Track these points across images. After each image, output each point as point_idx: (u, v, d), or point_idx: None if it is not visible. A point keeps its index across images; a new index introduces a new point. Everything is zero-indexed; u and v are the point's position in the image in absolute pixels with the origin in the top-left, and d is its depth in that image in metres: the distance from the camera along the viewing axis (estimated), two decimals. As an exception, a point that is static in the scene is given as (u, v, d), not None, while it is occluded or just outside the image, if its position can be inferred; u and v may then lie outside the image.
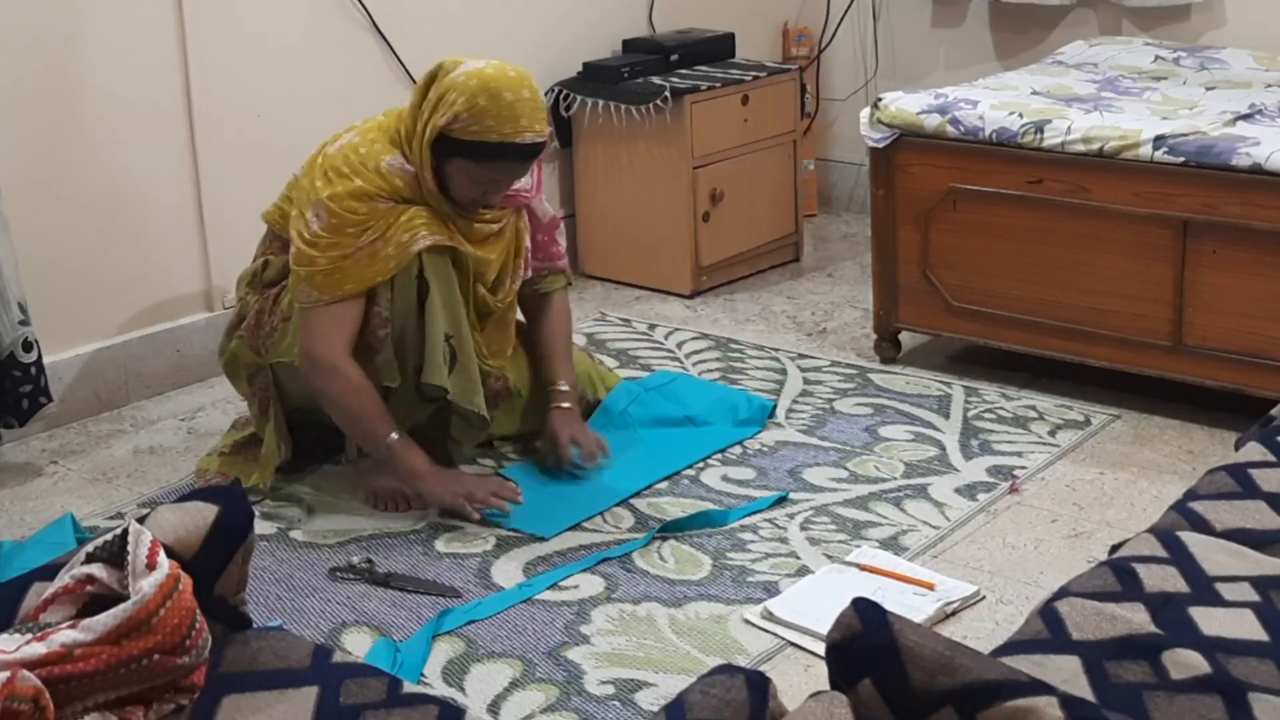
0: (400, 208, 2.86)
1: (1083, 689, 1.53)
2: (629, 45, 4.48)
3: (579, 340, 3.89)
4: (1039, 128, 3.35)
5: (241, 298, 3.10)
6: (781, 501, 2.97)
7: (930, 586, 2.60)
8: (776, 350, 3.82)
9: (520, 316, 3.23)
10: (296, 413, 3.07)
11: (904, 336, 3.75)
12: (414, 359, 2.91)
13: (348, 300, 2.86)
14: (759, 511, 2.93)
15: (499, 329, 3.11)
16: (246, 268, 3.13)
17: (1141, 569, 1.78)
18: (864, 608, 1.42)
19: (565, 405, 3.12)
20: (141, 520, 1.70)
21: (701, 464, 3.14)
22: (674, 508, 2.95)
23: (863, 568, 2.69)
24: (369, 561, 2.74)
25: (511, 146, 2.82)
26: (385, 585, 2.68)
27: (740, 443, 3.24)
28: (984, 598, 2.62)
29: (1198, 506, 1.97)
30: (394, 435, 2.88)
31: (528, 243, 3.12)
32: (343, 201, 2.83)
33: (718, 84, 4.24)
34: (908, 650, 1.36)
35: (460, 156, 2.84)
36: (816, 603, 2.55)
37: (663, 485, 3.05)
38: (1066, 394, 3.48)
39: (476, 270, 2.98)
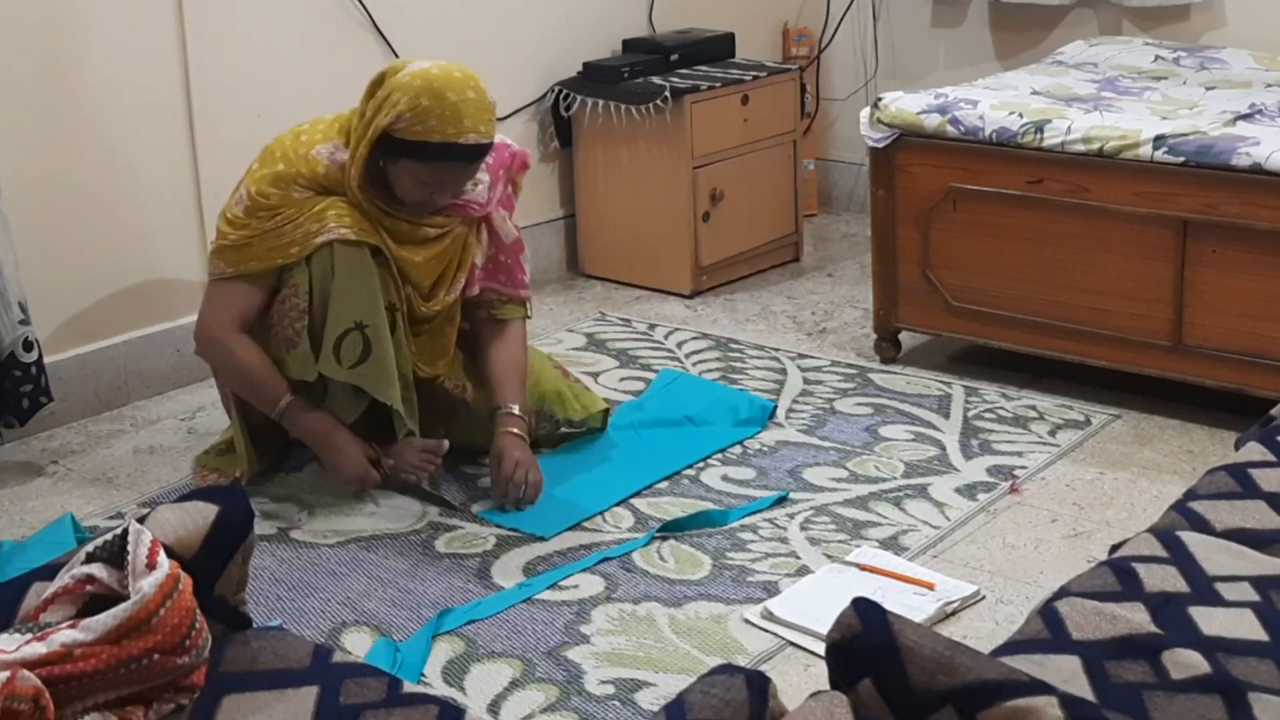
0: (318, 198, 2.88)
1: (1083, 689, 1.53)
2: (629, 45, 4.48)
3: (579, 340, 3.89)
4: (1039, 128, 3.35)
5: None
6: (781, 501, 2.97)
7: (930, 586, 2.60)
8: (776, 350, 3.82)
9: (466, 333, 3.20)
10: (257, 425, 3.07)
11: (904, 336, 3.75)
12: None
13: (248, 281, 2.92)
14: (759, 511, 2.92)
15: (434, 336, 3.08)
16: None
17: (1141, 569, 1.78)
18: (864, 608, 1.42)
19: (514, 431, 2.99)
20: (141, 520, 1.70)
21: (701, 464, 3.14)
22: (674, 507, 2.95)
23: (863, 567, 2.69)
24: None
25: (454, 147, 2.81)
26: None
27: (740, 442, 3.24)
28: (984, 598, 2.62)
29: (1198, 506, 1.97)
30: (287, 398, 2.93)
31: (476, 258, 3.08)
32: (260, 185, 2.89)
33: (718, 84, 4.24)
34: (908, 650, 1.36)
35: (404, 157, 2.83)
36: (816, 603, 2.55)
37: (663, 485, 3.05)
38: (1066, 394, 3.48)
39: (403, 271, 2.96)
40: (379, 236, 2.91)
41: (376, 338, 2.88)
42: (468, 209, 3.01)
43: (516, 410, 3.03)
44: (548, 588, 2.66)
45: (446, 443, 2.99)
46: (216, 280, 2.96)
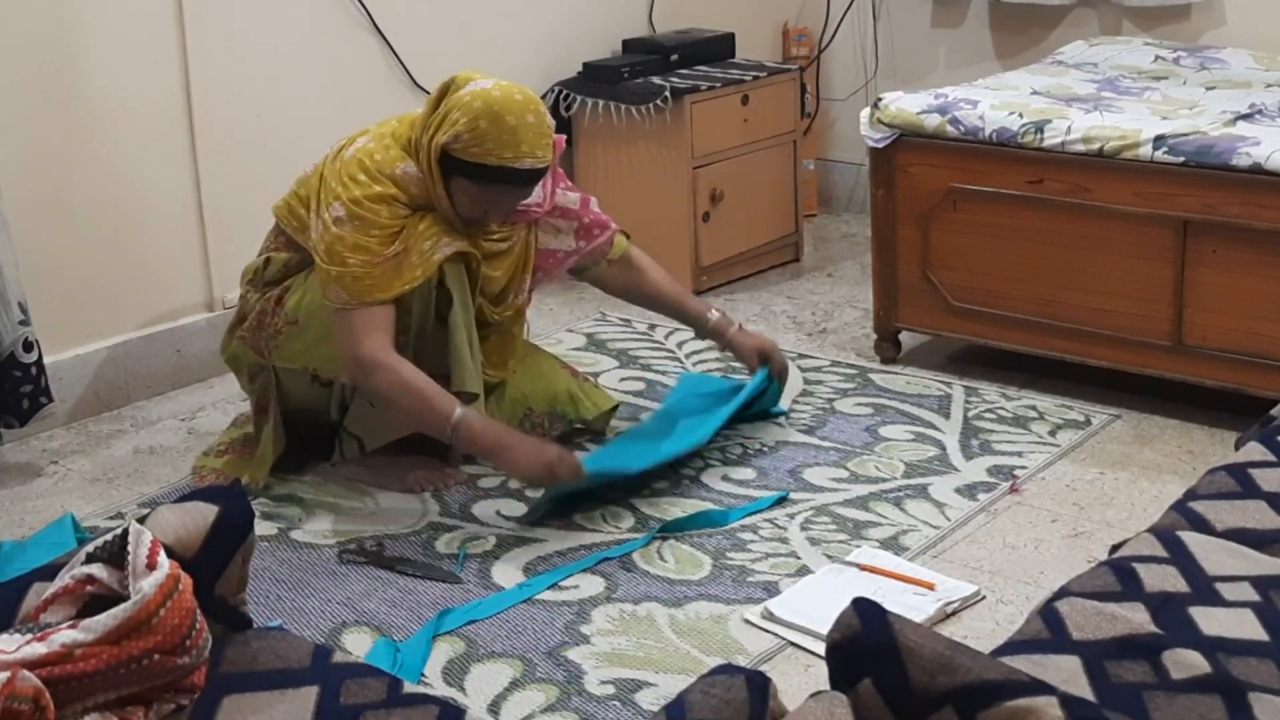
0: (418, 215, 2.87)
1: (1083, 689, 1.53)
2: (629, 45, 4.48)
3: (579, 340, 3.89)
4: (1039, 128, 3.35)
5: (243, 294, 3.10)
6: (782, 502, 2.97)
7: (930, 586, 2.60)
8: (776, 350, 3.82)
9: (522, 327, 3.24)
10: (294, 413, 3.07)
11: (904, 336, 3.75)
12: (429, 365, 2.90)
13: (380, 303, 2.84)
14: (759, 511, 2.92)
15: (502, 340, 3.11)
16: (251, 262, 3.14)
17: (1141, 569, 1.78)
18: (864, 608, 1.42)
19: (732, 325, 3.27)
20: (142, 520, 1.70)
21: (701, 463, 3.14)
22: (674, 508, 2.95)
23: (863, 568, 2.69)
24: (379, 545, 2.78)
25: (510, 171, 2.81)
26: (391, 569, 2.71)
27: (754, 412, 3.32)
28: (984, 598, 2.62)
29: (1198, 506, 1.97)
30: (458, 410, 2.81)
31: (553, 244, 3.14)
32: (363, 205, 2.82)
33: (718, 84, 4.24)
34: (908, 650, 1.36)
35: (460, 175, 2.84)
36: (816, 603, 2.55)
37: (662, 485, 3.05)
38: (1066, 394, 3.48)
39: (481, 283, 2.98)
40: (474, 243, 2.93)
41: (474, 353, 2.96)
42: (528, 214, 3.06)
43: (716, 312, 3.30)
44: (548, 588, 2.66)
45: (465, 475, 3.04)
46: (346, 309, 2.83)
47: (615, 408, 3.32)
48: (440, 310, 2.92)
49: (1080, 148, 3.29)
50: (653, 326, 4.01)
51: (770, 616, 2.55)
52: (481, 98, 2.80)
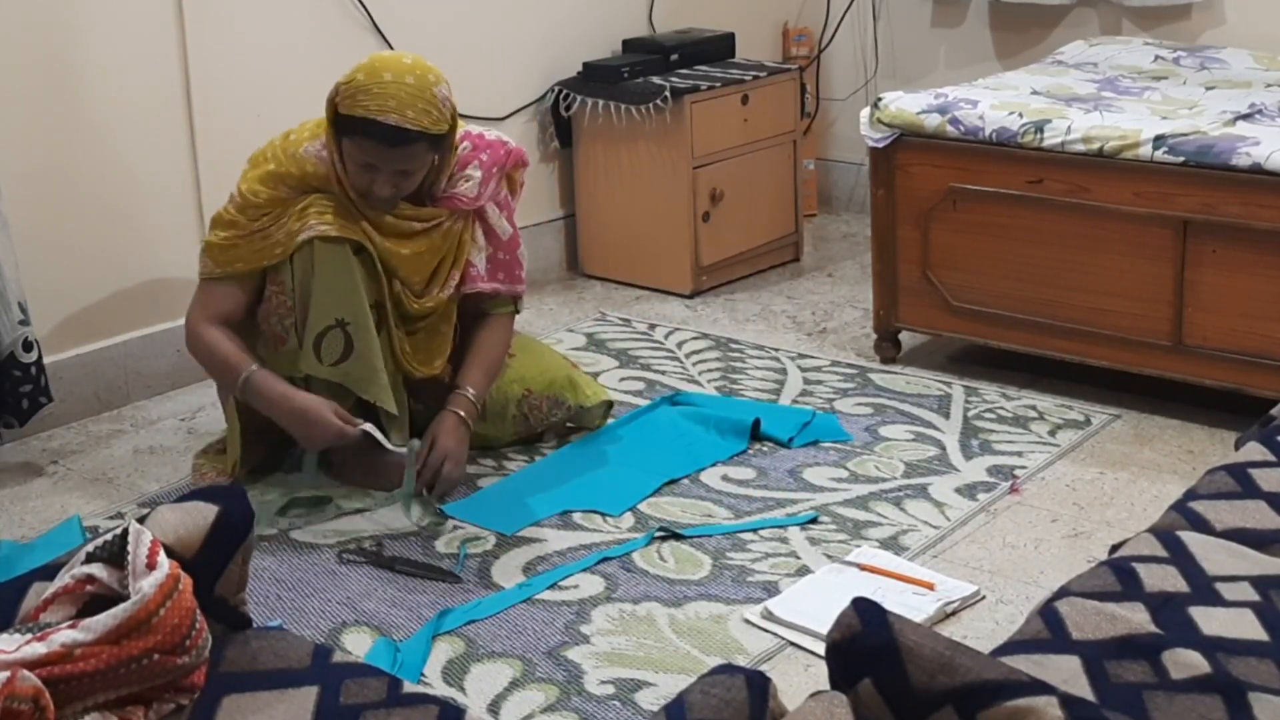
0: (302, 198, 2.91)
1: (1083, 689, 1.53)
2: (629, 45, 4.48)
3: (579, 340, 3.89)
4: (1039, 127, 3.35)
5: None
6: (813, 523, 2.90)
7: (930, 586, 2.60)
8: (776, 350, 3.82)
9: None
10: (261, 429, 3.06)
11: (904, 336, 3.75)
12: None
13: (234, 281, 2.95)
14: (781, 527, 2.89)
15: (429, 335, 3.06)
16: None
17: (1141, 569, 1.78)
18: (864, 608, 1.42)
19: (460, 413, 2.99)
20: (141, 520, 1.70)
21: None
22: (674, 507, 2.95)
23: (862, 567, 2.69)
24: (378, 545, 2.78)
25: (372, 124, 2.78)
26: (391, 569, 2.72)
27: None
28: (984, 598, 2.62)
29: (1198, 506, 1.97)
30: (249, 369, 2.90)
31: (475, 257, 3.06)
32: (251, 184, 2.93)
33: (718, 84, 4.24)
34: (908, 650, 1.36)
35: (341, 134, 2.86)
36: (816, 603, 2.55)
37: (663, 485, 3.05)
38: (1066, 394, 3.48)
39: (391, 266, 2.94)
40: (362, 231, 2.91)
41: (359, 335, 2.88)
42: (454, 201, 3.00)
43: (471, 394, 3.02)
44: (548, 588, 2.66)
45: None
46: (204, 280, 2.99)
47: (611, 405, 3.31)
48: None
49: (1080, 148, 3.29)
50: (653, 326, 4.01)
51: (770, 616, 2.55)
52: (373, 57, 2.89)
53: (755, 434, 3.25)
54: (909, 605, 2.52)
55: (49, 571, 1.71)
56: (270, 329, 2.97)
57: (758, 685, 1.41)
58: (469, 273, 3.07)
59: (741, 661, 2.41)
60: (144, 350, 3.58)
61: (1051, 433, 3.27)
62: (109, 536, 1.64)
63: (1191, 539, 1.87)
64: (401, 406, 2.99)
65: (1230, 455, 2.16)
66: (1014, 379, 3.57)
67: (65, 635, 1.54)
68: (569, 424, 3.27)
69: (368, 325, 2.90)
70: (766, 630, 2.52)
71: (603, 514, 2.93)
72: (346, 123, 2.83)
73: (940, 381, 3.58)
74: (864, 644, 1.39)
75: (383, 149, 2.83)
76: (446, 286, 3.04)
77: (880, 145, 3.57)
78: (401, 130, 2.80)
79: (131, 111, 3.47)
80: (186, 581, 1.63)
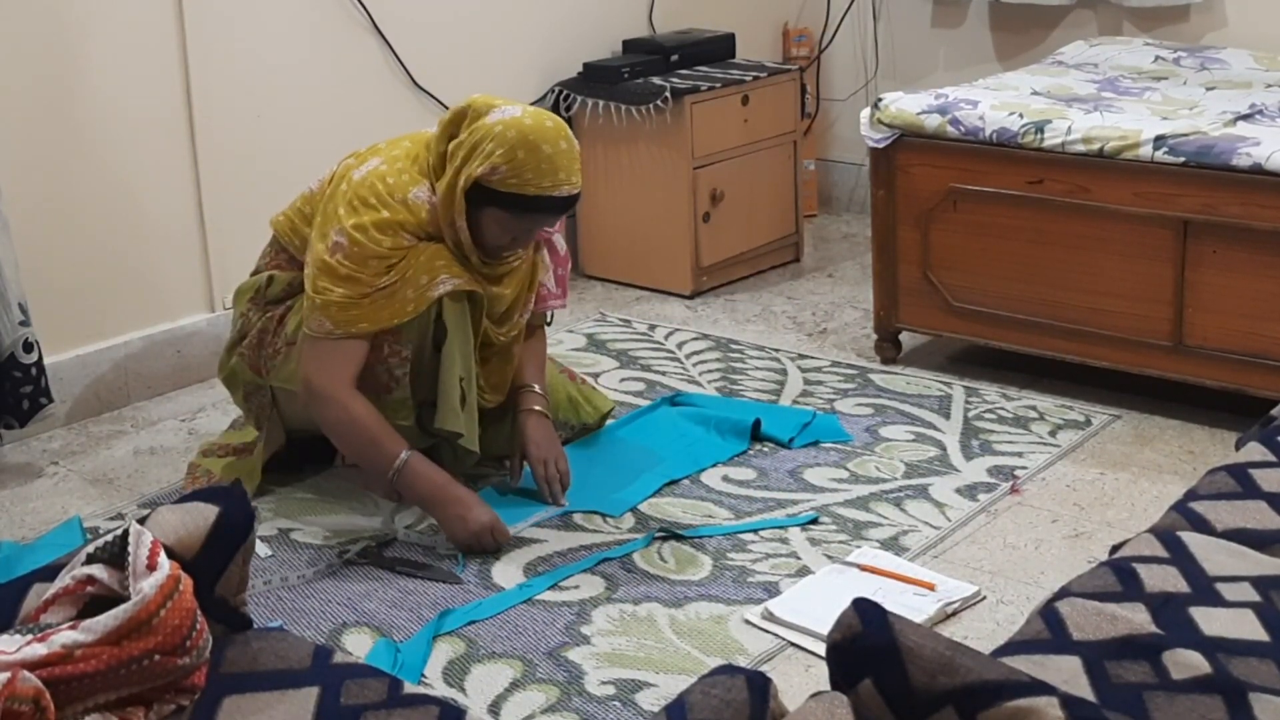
0: (422, 246, 2.79)
1: (1083, 689, 1.53)
2: (629, 45, 4.48)
3: (579, 340, 3.89)
4: (1039, 128, 3.35)
5: (243, 313, 3.04)
6: (813, 524, 2.89)
7: (931, 587, 2.60)
8: (777, 350, 3.82)
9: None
10: (293, 432, 3.04)
11: (904, 336, 3.75)
12: (422, 394, 2.88)
13: (359, 338, 2.79)
14: (782, 528, 2.88)
15: (502, 362, 3.03)
16: (246, 281, 3.08)
17: (1142, 569, 1.78)
18: (864, 608, 1.42)
19: (538, 409, 3.01)
20: (142, 521, 1.70)
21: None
22: (674, 508, 2.95)
23: (863, 568, 2.69)
24: (378, 545, 2.79)
25: (549, 200, 2.76)
26: (391, 569, 2.71)
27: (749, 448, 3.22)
28: (984, 598, 2.62)
29: (1198, 506, 1.97)
30: (405, 453, 2.77)
31: (542, 277, 3.06)
32: (368, 232, 2.75)
33: (718, 84, 4.24)
34: (908, 650, 1.36)
35: (495, 206, 2.77)
36: (817, 603, 2.55)
37: (663, 486, 3.05)
38: (1067, 394, 3.48)
39: (494, 309, 2.93)
40: (480, 282, 2.86)
41: (469, 390, 2.87)
42: (541, 234, 3.00)
43: (538, 389, 3.04)
44: (548, 588, 2.66)
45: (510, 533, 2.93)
46: (323, 338, 2.78)
47: (612, 409, 3.31)
48: (438, 340, 2.85)
49: (1080, 148, 3.29)
50: (652, 327, 4.01)
51: (770, 617, 2.55)
52: (514, 127, 2.74)
53: (755, 434, 3.25)
54: (909, 606, 2.52)
55: (49, 572, 1.71)
56: (377, 376, 2.85)
57: (758, 686, 1.41)
58: (541, 293, 3.06)
59: (742, 662, 2.41)
60: (144, 350, 3.58)
61: (1052, 433, 3.27)
62: (109, 537, 1.65)
63: (1192, 539, 1.87)
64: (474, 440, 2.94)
65: (1230, 455, 2.16)
66: (1014, 379, 3.57)
67: (66, 636, 1.54)
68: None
69: (475, 379, 2.89)
70: (767, 631, 2.52)
71: (603, 515, 2.93)
72: (514, 201, 2.75)
73: (940, 382, 3.58)
74: (864, 644, 1.39)
75: (551, 217, 2.85)
76: (525, 312, 3.03)
77: (880, 146, 3.57)
78: (574, 197, 2.81)
79: (132, 112, 3.47)
80: (187, 582, 1.63)
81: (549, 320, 3.21)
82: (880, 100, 3.57)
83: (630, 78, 4.24)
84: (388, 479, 2.79)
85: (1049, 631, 1.65)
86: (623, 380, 3.63)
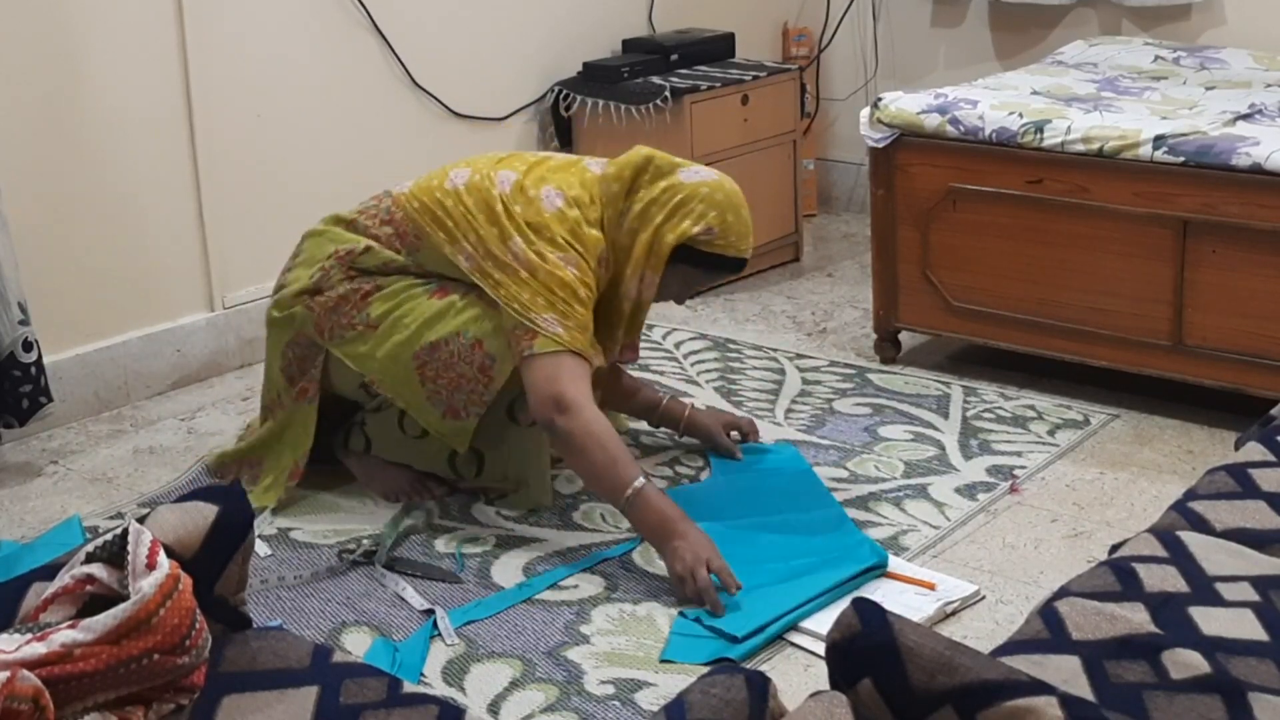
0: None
1: (1083, 689, 1.53)
2: (629, 45, 4.48)
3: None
4: (1039, 128, 3.35)
5: (324, 266, 2.93)
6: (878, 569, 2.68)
7: (930, 586, 2.60)
8: (775, 350, 3.82)
9: None
10: (325, 396, 2.97)
11: (904, 336, 3.75)
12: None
13: (582, 359, 2.76)
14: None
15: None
16: (331, 226, 2.99)
17: (1141, 569, 1.78)
18: (864, 607, 1.42)
19: (689, 403, 3.19)
20: (141, 520, 1.70)
21: (702, 464, 3.14)
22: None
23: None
24: (379, 545, 2.78)
25: (743, 262, 2.91)
26: (391, 569, 2.71)
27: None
28: (984, 598, 2.62)
29: (1198, 506, 1.97)
30: (641, 479, 2.65)
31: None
32: (585, 277, 2.79)
33: (718, 84, 4.24)
34: (908, 650, 1.36)
35: (690, 264, 2.86)
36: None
37: (662, 486, 3.04)
38: (1066, 394, 3.48)
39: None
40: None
41: None
42: (634, 352, 3.10)
43: (666, 396, 3.23)
44: (548, 588, 2.65)
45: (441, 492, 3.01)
46: (559, 353, 2.72)
47: (624, 431, 3.27)
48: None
49: (1080, 148, 3.29)
50: (651, 327, 4.01)
51: (770, 616, 2.54)
52: (720, 190, 2.85)
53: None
54: (909, 605, 2.52)
55: (49, 571, 1.71)
56: (463, 397, 2.86)
57: (757, 685, 1.41)
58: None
59: (742, 661, 2.41)
60: (144, 350, 3.58)
61: (1051, 433, 3.27)
62: (109, 536, 1.64)
63: (1191, 539, 1.87)
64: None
65: (1230, 455, 2.16)
66: (1013, 379, 3.57)
67: (65, 635, 1.54)
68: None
69: None
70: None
71: (602, 515, 2.92)
72: (716, 261, 2.86)
73: (939, 381, 3.58)
74: (864, 644, 1.39)
75: (731, 276, 3.07)
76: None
77: (880, 145, 3.57)
78: (748, 259, 2.94)
79: (131, 112, 3.47)
80: (186, 581, 1.63)
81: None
82: (880, 100, 3.57)
83: (630, 77, 4.24)
84: (620, 502, 2.67)
85: (1048, 631, 1.65)
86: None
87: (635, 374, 3.37)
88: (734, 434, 3.18)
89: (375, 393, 2.96)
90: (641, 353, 3.80)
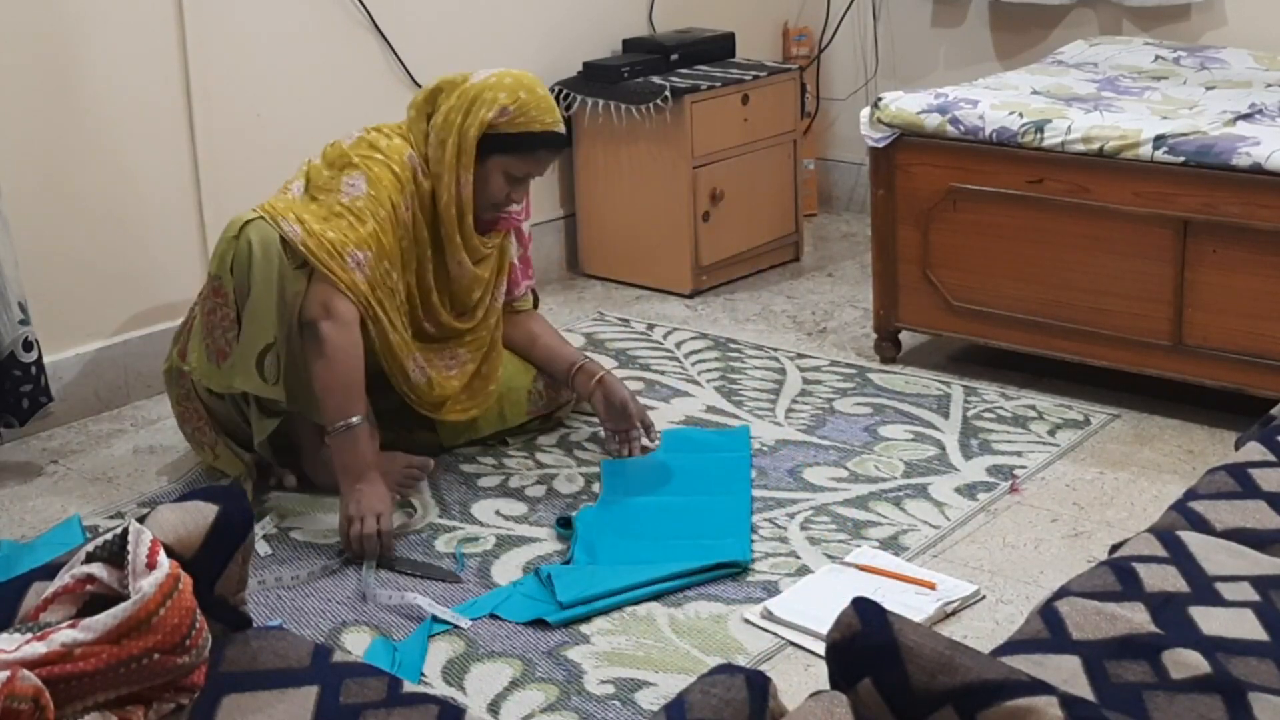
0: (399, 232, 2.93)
1: (1083, 689, 1.53)
2: (629, 45, 4.48)
3: (578, 340, 3.89)
4: (1039, 127, 3.35)
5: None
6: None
7: (930, 586, 2.60)
8: (776, 350, 3.82)
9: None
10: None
11: (904, 336, 3.75)
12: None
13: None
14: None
15: (485, 357, 3.15)
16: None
17: (1141, 569, 1.78)
18: (864, 607, 1.42)
19: (602, 372, 3.19)
20: (141, 520, 1.70)
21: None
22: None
23: (861, 568, 2.69)
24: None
25: (553, 135, 2.97)
26: (391, 568, 2.72)
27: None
28: (984, 597, 2.62)
29: (1198, 506, 1.97)
30: (356, 419, 2.81)
31: (514, 258, 3.20)
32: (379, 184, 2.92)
33: (718, 84, 4.24)
34: (908, 650, 1.36)
35: (502, 153, 2.94)
36: (816, 603, 2.55)
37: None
38: (1066, 394, 3.48)
39: (457, 293, 3.06)
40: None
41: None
42: (512, 220, 3.14)
43: (583, 359, 3.22)
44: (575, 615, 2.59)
45: (432, 462, 3.04)
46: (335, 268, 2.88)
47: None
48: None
49: (1080, 147, 3.29)
50: (651, 326, 4.01)
51: (770, 616, 2.55)
52: (506, 75, 2.96)
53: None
54: (909, 605, 2.52)
55: (49, 571, 1.71)
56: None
57: (758, 685, 1.41)
58: (513, 276, 3.20)
59: (741, 661, 2.41)
60: (144, 350, 3.58)
61: (1051, 432, 3.27)
62: (109, 536, 1.64)
63: (1191, 539, 1.87)
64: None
65: (1230, 455, 2.16)
66: (1013, 379, 3.57)
67: (65, 635, 1.54)
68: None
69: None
70: (766, 630, 2.52)
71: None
72: (524, 140, 2.94)
73: (940, 381, 3.58)
74: (864, 644, 1.39)
75: (551, 155, 3.03)
76: (496, 299, 3.16)
77: (880, 145, 3.57)
78: (565, 135, 3.03)
79: (132, 111, 3.47)
80: (186, 581, 1.63)
81: (535, 303, 3.32)
82: (880, 99, 3.57)
83: (630, 77, 4.24)
84: (331, 426, 2.80)
85: (1048, 631, 1.65)
86: (622, 380, 3.62)
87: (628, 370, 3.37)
88: (635, 436, 3.17)
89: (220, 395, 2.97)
90: (642, 352, 3.81)
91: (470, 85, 2.95)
